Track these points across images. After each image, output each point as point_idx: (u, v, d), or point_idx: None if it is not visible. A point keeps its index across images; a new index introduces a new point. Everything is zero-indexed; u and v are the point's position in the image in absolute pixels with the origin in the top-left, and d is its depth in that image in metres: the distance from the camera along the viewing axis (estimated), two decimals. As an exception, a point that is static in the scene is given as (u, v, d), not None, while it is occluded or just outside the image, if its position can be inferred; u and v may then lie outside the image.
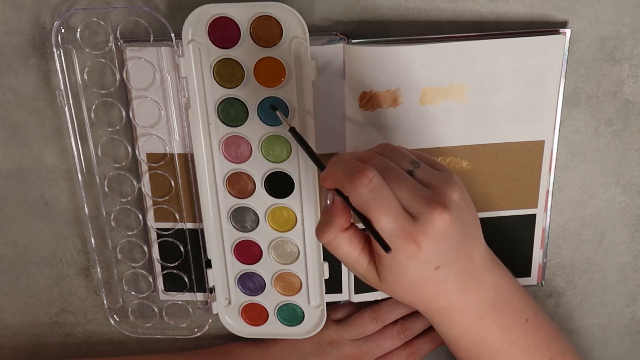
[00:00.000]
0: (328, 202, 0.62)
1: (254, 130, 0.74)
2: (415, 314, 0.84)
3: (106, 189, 0.80)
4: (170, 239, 0.82)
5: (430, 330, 0.86)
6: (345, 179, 0.58)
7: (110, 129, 0.77)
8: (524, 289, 0.72)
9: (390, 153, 0.62)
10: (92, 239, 0.83)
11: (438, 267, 0.60)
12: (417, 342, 0.85)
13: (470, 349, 0.70)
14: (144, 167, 0.78)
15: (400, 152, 0.62)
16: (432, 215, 0.57)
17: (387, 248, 0.57)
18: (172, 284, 0.85)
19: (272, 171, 0.76)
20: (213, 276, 0.82)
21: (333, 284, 0.83)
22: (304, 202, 0.77)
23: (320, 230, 0.62)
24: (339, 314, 0.86)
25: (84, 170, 0.79)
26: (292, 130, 0.68)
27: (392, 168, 0.60)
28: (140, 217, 0.82)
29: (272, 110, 0.72)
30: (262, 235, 0.80)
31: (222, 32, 0.70)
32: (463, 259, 0.62)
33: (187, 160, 0.77)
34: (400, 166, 0.61)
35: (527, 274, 0.84)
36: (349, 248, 0.62)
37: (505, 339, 0.68)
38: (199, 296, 0.85)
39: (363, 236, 0.62)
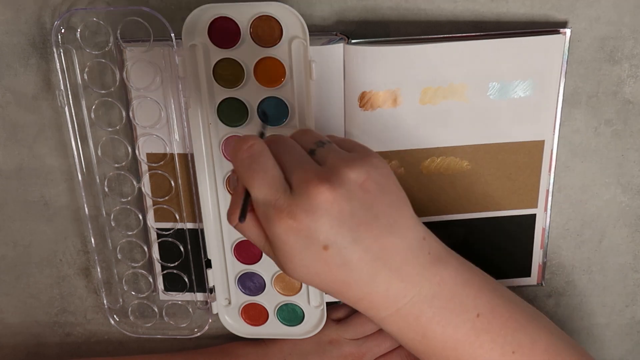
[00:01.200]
0: (234, 185, 0.62)
1: (254, 130, 0.74)
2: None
3: (106, 189, 0.80)
4: (170, 239, 0.82)
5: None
6: (231, 150, 0.59)
7: (110, 129, 0.77)
8: (483, 280, 0.66)
9: (299, 135, 0.62)
10: (92, 239, 0.83)
11: (326, 247, 0.56)
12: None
13: (413, 347, 0.65)
14: (144, 167, 0.78)
15: (309, 133, 0.61)
16: (307, 188, 0.55)
17: (242, 216, 0.57)
18: (172, 284, 0.85)
19: (272, 171, 0.76)
20: (213, 276, 0.82)
21: (333, 284, 0.82)
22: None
23: (228, 216, 0.60)
24: (339, 314, 0.86)
25: (84, 170, 0.79)
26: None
27: (288, 143, 0.59)
28: (140, 217, 0.82)
29: (262, 115, 0.72)
30: (262, 235, 0.79)
31: (222, 32, 0.70)
32: (368, 244, 0.57)
33: (187, 160, 0.77)
34: (302, 144, 0.60)
35: (527, 274, 0.84)
36: (250, 227, 0.60)
37: (450, 337, 0.63)
38: (199, 296, 0.85)
39: None
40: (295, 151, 0.59)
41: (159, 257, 0.83)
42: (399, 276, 0.59)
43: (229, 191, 0.77)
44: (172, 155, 0.77)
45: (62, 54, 0.74)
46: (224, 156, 0.76)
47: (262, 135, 0.62)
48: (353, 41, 0.72)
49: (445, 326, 0.62)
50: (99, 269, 0.84)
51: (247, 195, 0.58)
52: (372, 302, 0.60)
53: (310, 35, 0.69)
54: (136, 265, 0.85)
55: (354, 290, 0.59)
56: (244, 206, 0.58)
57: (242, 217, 0.57)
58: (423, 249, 0.61)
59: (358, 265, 0.57)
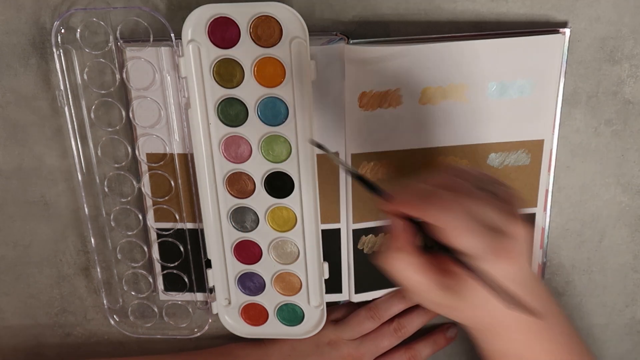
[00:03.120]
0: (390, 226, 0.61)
1: (253, 130, 0.74)
2: (411, 311, 0.84)
3: (106, 189, 0.80)
4: (170, 239, 0.82)
5: (431, 333, 0.86)
6: (418, 203, 0.58)
7: (110, 129, 0.77)
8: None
9: (454, 171, 0.62)
10: (92, 239, 0.83)
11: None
12: (417, 345, 0.85)
13: None
14: (144, 167, 0.78)
15: (461, 169, 0.62)
16: (516, 228, 0.57)
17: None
18: (172, 284, 0.85)
19: (272, 171, 0.76)
20: (213, 276, 0.82)
21: (333, 284, 0.83)
22: (304, 202, 0.77)
23: (383, 254, 0.61)
24: (337, 314, 0.86)
25: (84, 170, 0.79)
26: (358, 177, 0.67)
27: (461, 184, 0.59)
28: (140, 217, 0.82)
29: (315, 146, 0.72)
30: (262, 235, 0.80)
31: (222, 32, 0.70)
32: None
33: (187, 160, 0.77)
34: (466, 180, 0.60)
35: (527, 273, 0.84)
36: (426, 277, 0.60)
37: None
38: (199, 296, 0.85)
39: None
40: (476, 192, 0.59)
41: (159, 257, 0.83)
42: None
43: (229, 191, 0.77)
44: (172, 155, 0.77)
45: (61, 54, 0.74)
46: (224, 156, 0.76)
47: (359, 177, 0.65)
48: (353, 41, 0.72)
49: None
50: (99, 269, 0.84)
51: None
52: (497, 330, 0.64)
53: (310, 35, 0.69)
54: (136, 265, 0.84)
55: (490, 318, 0.63)
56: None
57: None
58: (538, 278, 0.66)
59: None
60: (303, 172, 0.75)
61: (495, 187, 0.60)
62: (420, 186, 0.59)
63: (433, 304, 0.62)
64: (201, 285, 0.84)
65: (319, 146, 0.69)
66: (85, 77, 0.75)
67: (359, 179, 0.66)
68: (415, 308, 0.84)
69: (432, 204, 0.57)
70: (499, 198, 0.58)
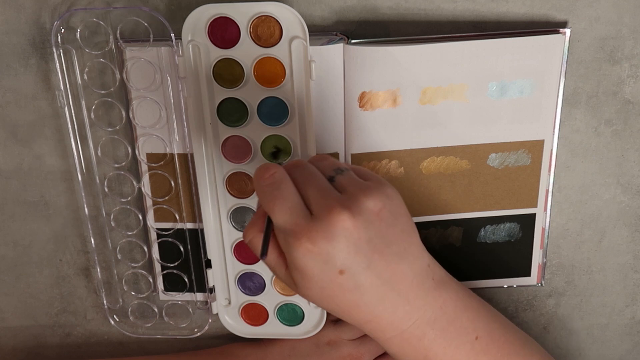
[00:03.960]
0: (258, 207, 0.63)
1: (253, 130, 0.74)
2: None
3: (106, 189, 0.80)
4: (170, 239, 0.82)
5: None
6: (254, 178, 0.61)
7: (110, 129, 0.77)
8: (480, 304, 0.69)
9: (318, 161, 0.64)
10: (92, 239, 0.83)
11: (342, 271, 0.58)
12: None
13: None
14: (144, 167, 0.78)
15: (328, 160, 0.64)
16: (329, 214, 0.57)
17: (263, 252, 0.59)
18: (172, 284, 0.85)
19: (272, 171, 0.76)
20: (213, 276, 0.82)
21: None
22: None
23: (244, 231, 0.63)
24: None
25: (84, 170, 0.79)
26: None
27: (309, 170, 0.61)
28: (140, 217, 0.82)
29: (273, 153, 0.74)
30: (262, 235, 0.80)
31: (222, 32, 0.70)
32: (380, 269, 0.60)
33: (187, 160, 0.77)
34: (322, 171, 0.62)
35: (527, 273, 0.84)
36: (275, 254, 0.62)
37: (450, 358, 0.66)
38: (199, 296, 0.85)
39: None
40: (316, 178, 0.61)
41: (158, 257, 0.83)
42: (405, 300, 0.62)
43: (229, 191, 0.77)
44: (172, 155, 0.77)
45: (62, 54, 0.74)
46: (224, 156, 0.75)
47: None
48: (353, 41, 0.72)
49: (446, 347, 0.65)
50: (98, 269, 0.84)
51: (269, 222, 0.60)
52: (379, 324, 0.63)
53: (310, 35, 0.69)
54: (136, 265, 0.85)
55: (362, 313, 0.62)
56: (265, 237, 0.60)
57: (264, 253, 0.60)
58: (428, 275, 0.64)
59: (369, 290, 0.60)
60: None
61: (349, 179, 0.61)
62: (267, 165, 0.62)
63: (289, 285, 0.63)
64: (201, 285, 0.84)
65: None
66: (85, 77, 0.75)
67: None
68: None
69: (257, 174, 0.61)
70: (341, 190, 0.60)
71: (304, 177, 0.61)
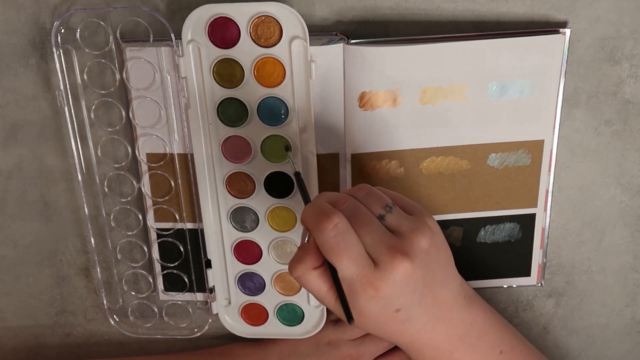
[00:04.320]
0: (305, 240, 0.65)
1: (254, 130, 0.74)
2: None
3: (106, 189, 0.80)
4: (170, 239, 0.82)
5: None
6: (313, 222, 0.62)
7: (110, 129, 0.77)
8: (502, 321, 0.74)
9: (365, 196, 0.65)
10: (92, 239, 0.83)
11: (399, 310, 0.62)
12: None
13: None
14: (144, 167, 0.78)
15: (376, 195, 0.65)
16: (392, 263, 0.59)
17: (350, 318, 0.61)
18: (172, 284, 0.85)
19: (272, 171, 0.76)
20: (213, 276, 0.82)
21: (333, 284, 0.82)
22: (304, 203, 0.77)
23: (292, 266, 0.64)
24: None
25: (84, 170, 0.79)
26: (297, 175, 0.72)
27: (362, 213, 0.62)
28: (140, 217, 0.82)
29: (287, 151, 0.74)
30: (262, 235, 0.80)
31: (222, 32, 0.70)
32: (428, 301, 0.64)
33: (187, 160, 0.77)
34: (372, 210, 0.63)
35: (527, 273, 0.84)
36: (317, 285, 0.64)
37: None
38: (199, 296, 0.85)
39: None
40: (371, 223, 0.62)
41: (158, 257, 0.83)
42: (443, 321, 0.67)
43: (229, 191, 0.77)
44: (172, 155, 0.77)
45: (61, 54, 0.74)
46: (224, 156, 0.76)
47: (298, 174, 0.71)
48: (353, 41, 0.72)
49: None
50: (98, 269, 0.84)
51: (334, 270, 0.62)
52: (419, 344, 0.68)
53: (310, 35, 0.69)
54: (136, 265, 0.84)
55: (407, 337, 0.67)
56: (343, 299, 0.62)
57: (351, 318, 0.62)
58: (460, 294, 0.69)
59: (417, 319, 0.65)
60: (304, 172, 0.75)
61: (398, 217, 0.63)
62: (320, 204, 0.63)
63: (337, 314, 0.65)
64: (201, 285, 0.84)
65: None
66: (85, 77, 0.75)
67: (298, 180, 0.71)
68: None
69: (320, 223, 0.61)
70: (394, 230, 0.62)
71: (361, 222, 0.62)
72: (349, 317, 0.61)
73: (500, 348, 0.71)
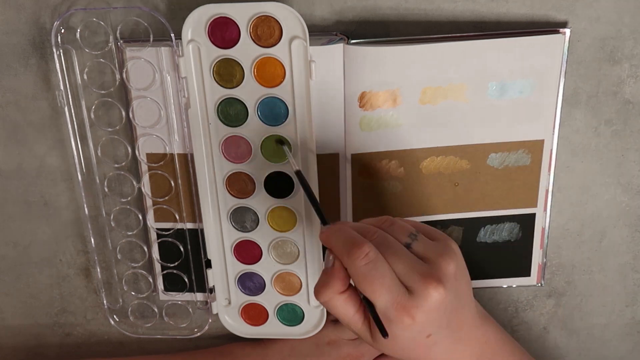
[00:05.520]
0: (329, 264, 0.65)
1: (253, 130, 0.74)
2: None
3: (106, 189, 0.80)
4: (170, 239, 0.82)
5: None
6: (344, 251, 0.62)
7: (110, 129, 0.77)
8: (511, 338, 0.76)
9: (390, 226, 0.65)
10: (92, 239, 0.83)
11: (429, 335, 0.63)
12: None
13: None
14: (144, 167, 0.78)
15: (400, 225, 0.66)
16: (427, 290, 0.60)
17: (384, 333, 0.62)
18: (172, 284, 0.85)
19: (272, 171, 0.76)
20: (213, 276, 0.82)
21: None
22: (304, 202, 0.77)
23: (318, 291, 0.64)
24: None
25: (84, 170, 0.79)
26: (298, 173, 0.72)
27: (390, 242, 0.63)
28: (140, 217, 0.82)
29: (279, 144, 0.74)
30: (262, 235, 0.80)
31: (222, 32, 0.70)
32: (454, 325, 0.65)
33: (187, 160, 0.77)
34: (398, 239, 0.64)
35: (527, 273, 0.84)
36: (344, 309, 0.64)
37: None
38: (199, 296, 0.85)
39: (359, 298, 0.64)
40: (400, 251, 0.62)
41: (158, 257, 0.83)
42: (461, 340, 0.68)
43: (229, 191, 0.77)
44: (172, 155, 0.77)
45: (61, 54, 0.74)
46: (224, 156, 0.76)
47: (299, 172, 0.71)
48: (353, 41, 0.72)
49: None
50: (98, 269, 0.84)
51: (370, 303, 0.62)
52: None
53: (310, 35, 0.69)
54: (136, 265, 0.84)
55: (430, 358, 0.67)
56: (376, 319, 0.62)
57: (385, 334, 0.62)
58: (476, 313, 0.70)
59: (441, 343, 0.65)
60: (303, 172, 0.75)
61: (424, 244, 0.64)
62: (349, 233, 0.63)
63: (363, 337, 0.66)
64: (201, 285, 0.84)
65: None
66: (85, 77, 0.75)
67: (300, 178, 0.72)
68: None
69: (351, 252, 0.61)
70: (421, 257, 0.63)
71: (390, 251, 0.62)
72: (384, 333, 0.62)
73: None
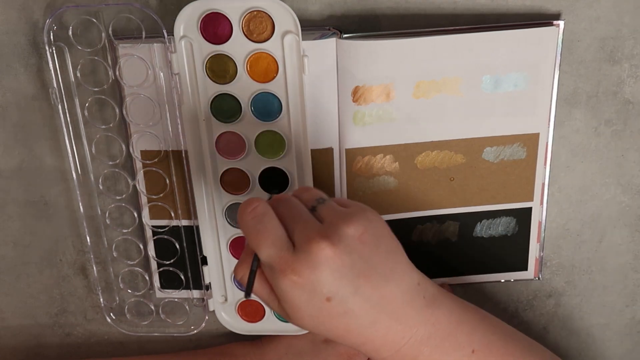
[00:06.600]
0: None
1: (247, 126, 0.74)
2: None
3: (101, 187, 0.81)
4: (165, 236, 0.82)
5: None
6: (238, 212, 0.63)
7: (104, 127, 0.78)
8: (477, 317, 0.70)
9: (301, 193, 0.66)
10: (88, 238, 0.83)
11: (329, 299, 0.60)
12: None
13: None
14: (139, 164, 0.79)
15: (311, 192, 0.66)
16: (309, 245, 0.58)
17: (248, 292, 0.62)
18: (168, 281, 0.85)
19: (267, 167, 0.76)
20: (209, 273, 0.82)
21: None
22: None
23: (235, 270, 0.64)
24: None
25: (79, 168, 0.79)
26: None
27: (292, 204, 0.63)
28: (136, 214, 0.82)
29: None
30: (258, 232, 0.79)
31: (214, 28, 0.70)
32: (368, 294, 0.61)
33: (182, 157, 0.77)
34: (304, 202, 0.64)
35: (524, 267, 0.84)
36: (259, 287, 0.63)
37: None
38: (196, 293, 0.85)
39: None
40: (297, 210, 0.63)
41: (154, 255, 0.83)
42: (397, 320, 0.63)
43: (223, 188, 0.78)
44: (166, 152, 0.77)
45: (54, 52, 0.74)
46: (218, 152, 0.76)
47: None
48: (346, 35, 0.72)
49: None
50: (95, 268, 0.84)
51: (256, 259, 0.62)
52: (373, 346, 0.64)
53: (302, 29, 0.69)
54: (132, 263, 0.85)
55: (355, 336, 0.63)
56: (251, 275, 0.62)
57: (249, 292, 0.62)
58: (419, 294, 0.65)
59: (359, 314, 0.61)
60: (297, 167, 0.75)
61: (330, 208, 0.63)
62: (250, 199, 0.63)
63: (284, 316, 0.64)
64: (197, 282, 0.84)
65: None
66: (79, 74, 0.75)
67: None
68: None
69: (241, 209, 0.62)
70: (322, 219, 0.62)
71: (287, 211, 0.62)
72: (248, 292, 0.62)
73: (471, 347, 0.68)
